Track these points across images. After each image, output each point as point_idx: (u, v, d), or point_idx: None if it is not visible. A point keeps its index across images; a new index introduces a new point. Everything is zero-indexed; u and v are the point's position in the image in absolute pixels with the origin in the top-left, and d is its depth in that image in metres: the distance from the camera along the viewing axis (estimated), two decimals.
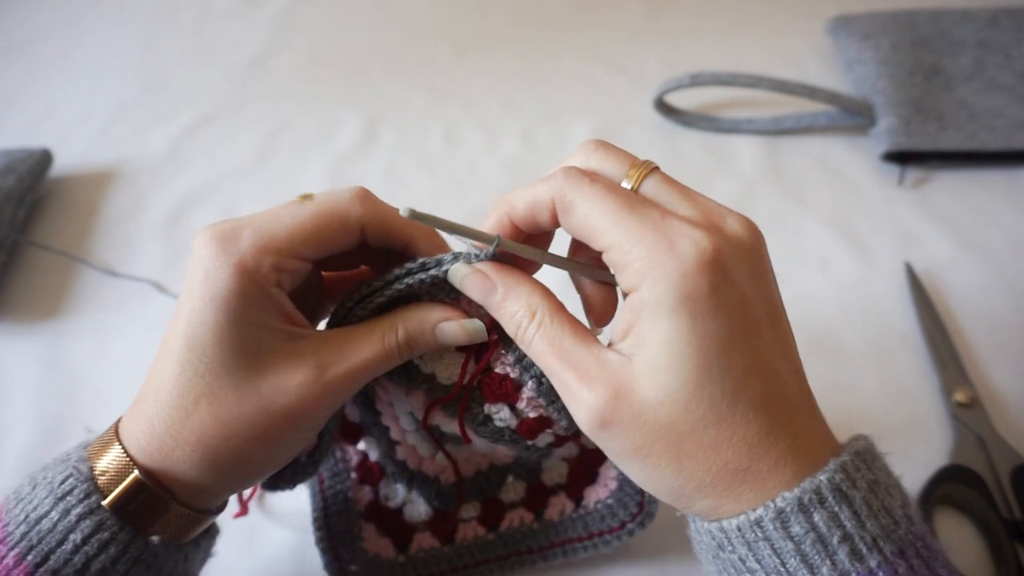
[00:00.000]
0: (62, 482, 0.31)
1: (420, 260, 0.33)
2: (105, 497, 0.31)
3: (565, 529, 0.43)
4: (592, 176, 0.30)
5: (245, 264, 0.30)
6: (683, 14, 0.97)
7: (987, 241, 0.65)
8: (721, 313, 0.27)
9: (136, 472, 0.31)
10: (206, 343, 0.31)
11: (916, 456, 0.50)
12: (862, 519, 0.27)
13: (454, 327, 0.34)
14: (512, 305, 0.31)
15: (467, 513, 0.45)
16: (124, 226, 0.71)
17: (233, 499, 0.38)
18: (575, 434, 0.37)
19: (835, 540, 0.27)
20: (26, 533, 0.30)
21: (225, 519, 0.38)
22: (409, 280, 0.33)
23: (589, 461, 0.43)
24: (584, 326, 0.31)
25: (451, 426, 0.37)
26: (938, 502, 0.47)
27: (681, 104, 0.80)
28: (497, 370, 0.35)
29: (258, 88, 0.89)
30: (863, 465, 0.28)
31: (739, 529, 0.28)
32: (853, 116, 0.75)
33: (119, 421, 0.34)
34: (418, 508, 0.44)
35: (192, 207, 0.73)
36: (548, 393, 0.34)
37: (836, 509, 0.27)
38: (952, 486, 0.48)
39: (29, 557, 0.30)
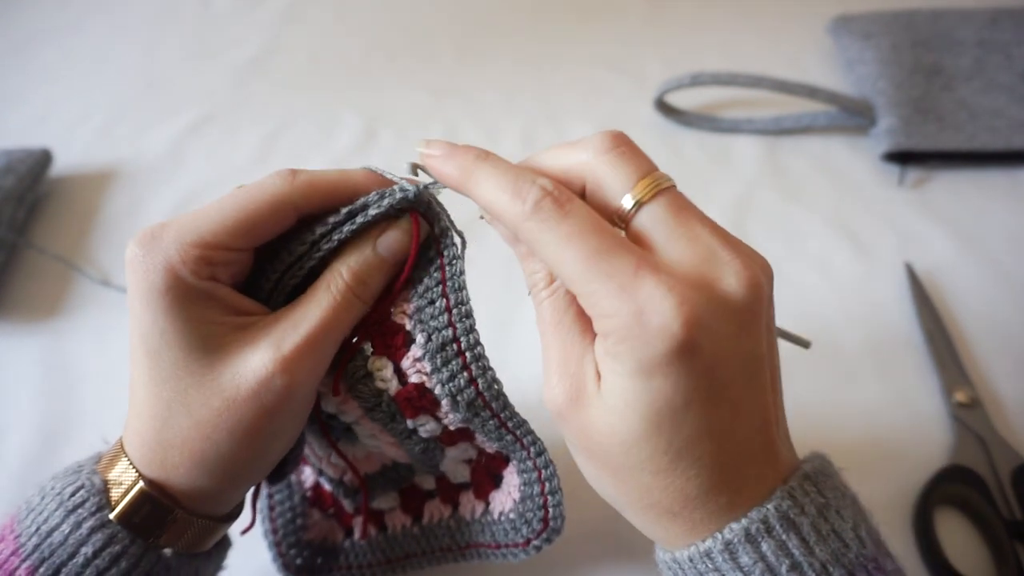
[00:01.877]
0: (72, 494, 0.31)
1: (346, 209, 0.32)
2: (115, 510, 0.31)
3: (477, 533, 0.42)
4: (563, 212, 0.27)
5: (171, 263, 0.30)
6: (683, 14, 0.97)
7: (987, 241, 0.65)
8: (681, 381, 0.26)
9: (141, 483, 0.31)
10: (158, 348, 0.30)
11: (916, 456, 0.50)
12: (810, 545, 0.27)
13: (392, 233, 0.32)
14: (534, 263, 0.31)
15: (387, 504, 0.44)
16: (124, 226, 0.71)
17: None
18: (464, 432, 0.36)
19: (783, 569, 0.26)
20: (38, 545, 0.30)
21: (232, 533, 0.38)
22: (338, 235, 0.32)
23: (491, 464, 0.41)
24: (586, 314, 0.30)
25: (329, 399, 0.35)
26: (939, 502, 0.47)
27: (681, 104, 0.80)
28: (395, 319, 0.33)
29: (258, 88, 0.89)
30: (812, 489, 0.28)
31: (691, 560, 0.28)
32: (853, 116, 0.75)
33: (121, 438, 0.33)
34: (342, 500, 0.43)
35: (192, 207, 0.72)
36: (434, 357, 0.32)
37: (784, 538, 0.27)
38: (953, 486, 0.47)
39: (41, 570, 0.30)
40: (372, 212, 0.32)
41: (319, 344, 0.31)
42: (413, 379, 0.33)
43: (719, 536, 0.27)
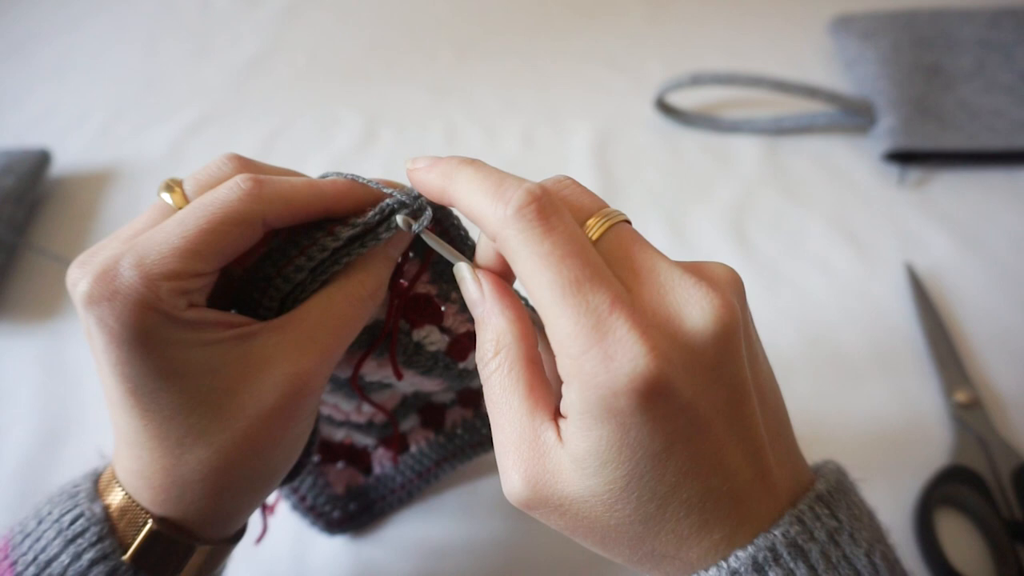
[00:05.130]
0: (72, 522, 0.30)
1: (348, 235, 0.30)
2: (117, 539, 0.30)
3: None
4: (546, 225, 0.25)
5: (146, 301, 0.26)
6: (683, 15, 0.97)
7: (988, 241, 0.65)
8: (656, 426, 0.24)
9: (151, 523, 0.29)
10: (153, 387, 0.28)
11: (917, 457, 0.50)
12: (819, 573, 0.25)
13: (398, 238, 0.31)
14: (484, 333, 0.29)
15: (408, 425, 0.46)
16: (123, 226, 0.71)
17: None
18: None
19: None
20: (37, 575, 0.29)
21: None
22: (347, 258, 0.30)
23: None
24: (541, 386, 0.28)
25: (376, 373, 0.35)
26: (939, 503, 0.47)
27: (681, 104, 0.80)
28: (420, 291, 0.34)
29: (258, 88, 0.89)
30: (824, 511, 0.27)
31: None
32: (853, 116, 0.75)
33: (114, 467, 0.31)
34: (361, 438, 0.46)
35: None
36: None
37: (792, 565, 0.25)
38: (953, 487, 0.47)
39: None
40: (384, 236, 0.31)
41: (338, 352, 0.31)
42: (461, 329, 0.35)
43: (724, 565, 0.26)
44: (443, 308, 0.34)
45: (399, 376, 0.35)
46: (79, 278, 0.27)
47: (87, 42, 0.98)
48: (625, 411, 0.24)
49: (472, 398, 0.46)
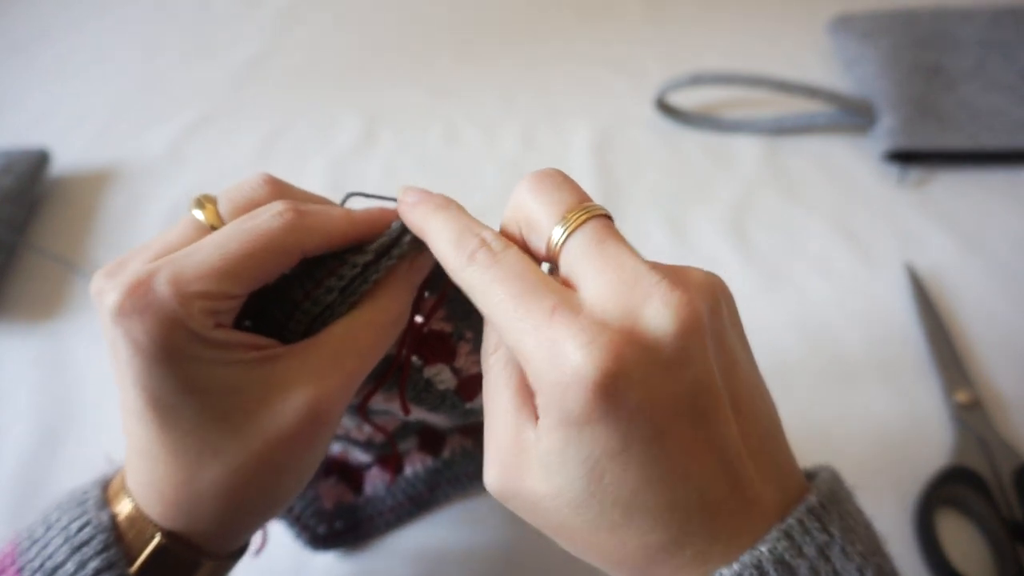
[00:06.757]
0: (79, 530, 0.30)
1: (374, 246, 0.31)
2: (124, 549, 0.30)
3: None
4: (494, 259, 0.27)
5: (177, 318, 0.26)
6: (683, 14, 0.97)
7: (989, 241, 0.65)
8: (610, 424, 0.24)
9: (159, 537, 0.29)
10: (174, 402, 0.28)
11: (917, 457, 0.50)
12: None
13: (421, 258, 0.32)
14: (487, 330, 0.30)
15: (405, 446, 0.45)
16: (123, 227, 0.71)
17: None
18: None
19: None
20: None
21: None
22: (375, 275, 0.31)
23: None
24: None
25: (383, 404, 0.36)
26: (940, 503, 0.47)
27: (681, 104, 0.80)
28: (434, 328, 0.34)
29: (257, 88, 0.89)
30: (815, 524, 0.26)
31: None
32: (853, 116, 0.75)
33: (124, 476, 0.31)
34: (358, 455, 0.45)
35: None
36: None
37: None
38: (954, 487, 0.47)
39: None
40: (406, 242, 0.31)
41: (359, 379, 0.31)
42: (472, 371, 0.35)
43: None
44: (457, 348, 0.34)
45: (407, 412, 0.35)
46: (109, 289, 0.27)
47: (87, 42, 0.98)
48: (577, 407, 0.24)
49: (473, 429, 0.45)
